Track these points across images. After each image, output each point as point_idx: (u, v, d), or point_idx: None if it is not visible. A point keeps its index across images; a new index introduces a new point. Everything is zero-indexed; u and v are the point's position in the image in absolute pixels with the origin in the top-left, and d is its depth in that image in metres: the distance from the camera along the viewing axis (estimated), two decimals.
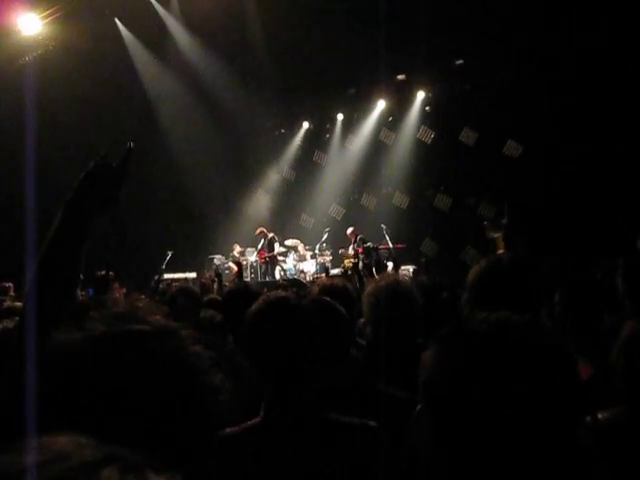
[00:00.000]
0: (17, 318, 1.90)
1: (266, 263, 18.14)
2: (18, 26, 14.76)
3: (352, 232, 17.00)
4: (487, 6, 14.31)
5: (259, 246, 18.30)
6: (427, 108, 19.56)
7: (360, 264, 15.65)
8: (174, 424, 1.04)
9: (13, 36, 14.86)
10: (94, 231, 1.70)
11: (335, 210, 20.23)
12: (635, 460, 1.96)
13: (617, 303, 4.12)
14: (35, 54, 15.50)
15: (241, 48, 17.46)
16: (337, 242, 18.58)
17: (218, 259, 19.21)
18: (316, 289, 3.81)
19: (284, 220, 21.09)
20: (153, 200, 19.69)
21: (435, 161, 18.28)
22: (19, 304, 5.08)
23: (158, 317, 1.18)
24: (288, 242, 18.96)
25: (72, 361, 1.05)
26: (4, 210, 13.08)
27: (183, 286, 5.43)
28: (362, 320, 3.73)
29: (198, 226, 20.25)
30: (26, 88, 12.73)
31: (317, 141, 21.88)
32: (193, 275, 17.67)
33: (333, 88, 19.39)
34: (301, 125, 22.20)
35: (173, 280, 16.30)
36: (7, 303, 5.94)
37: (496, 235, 12.42)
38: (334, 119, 21.57)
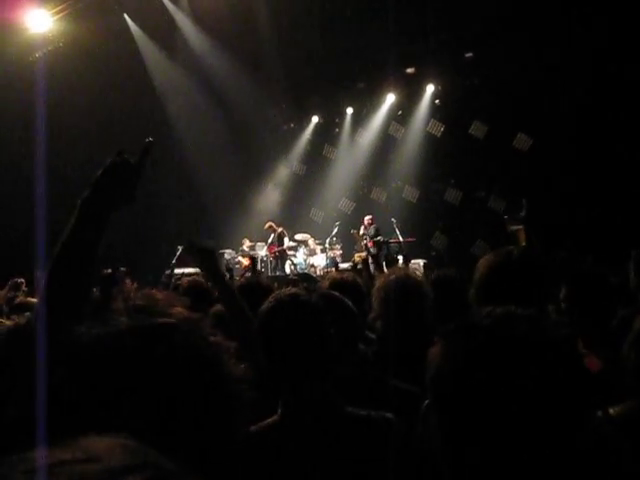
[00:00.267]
0: (28, 313, 1.91)
1: (276, 257, 18.15)
2: (28, 23, 14.82)
3: (370, 219, 16.95)
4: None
5: (269, 241, 18.31)
6: (437, 101, 19.51)
7: (370, 258, 15.66)
8: (202, 417, 1.05)
9: (23, 33, 14.92)
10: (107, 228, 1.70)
11: (345, 204, 20.20)
12: None
13: (629, 296, 4.10)
14: (45, 51, 15.54)
15: (250, 43, 17.44)
16: (347, 236, 18.56)
17: (228, 254, 19.22)
18: (326, 283, 3.82)
19: (294, 214, 21.08)
20: (163, 195, 19.73)
21: (445, 154, 18.23)
22: (32, 299, 5.10)
23: (179, 309, 1.18)
24: (298, 236, 18.95)
25: (102, 355, 1.06)
26: (15, 206, 13.14)
27: (194, 280, 5.43)
28: (372, 314, 3.73)
29: (208, 221, 20.28)
30: (36, 84, 12.77)
31: (327, 135, 21.85)
32: None
33: (342, 82, 19.36)
34: (311, 119, 22.19)
35: (184, 275, 16.34)
36: (20, 298, 5.97)
37: (516, 228, 12.38)
38: (344, 113, 21.55)
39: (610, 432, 1.81)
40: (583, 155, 14.06)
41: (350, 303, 2.77)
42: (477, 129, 16.85)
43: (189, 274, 16.26)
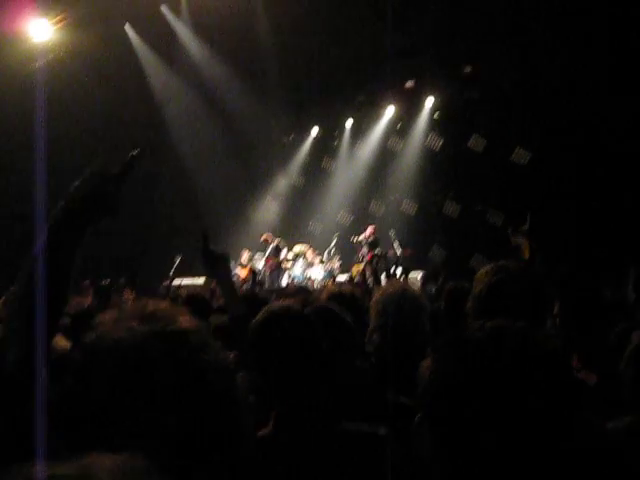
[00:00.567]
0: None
1: (272, 270, 18.09)
2: (29, 32, 14.86)
3: (373, 229, 16.93)
4: (496, 12, 14.31)
5: (267, 253, 18.28)
6: (436, 115, 19.53)
7: (367, 271, 15.65)
8: (216, 422, 1.04)
9: (24, 42, 14.95)
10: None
11: (343, 216, 20.20)
12: None
13: (627, 311, 4.10)
14: (46, 60, 15.57)
15: (250, 54, 17.48)
16: (346, 248, 18.56)
17: None
18: (324, 296, 3.81)
19: (293, 226, 21.07)
20: (162, 205, 19.75)
21: (444, 168, 18.25)
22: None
23: (186, 317, 1.18)
24: (296, 248, 18.92)
25: (128, 358, 1.05)
26: (15, 214, 13.12)
27: (193, 292, 5.44)
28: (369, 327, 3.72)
29: (207, 231, 20.26)
30: (37, 93, 12.78)
31: (326, 147, 21.86)
32: (202, 280, 17.65)
33: (342, 94, 19.38)
34: (310, 131, 22.19)
35: (181, 286, 16.32)
36: None
37: (520, 242, 12.36)
38: (343, 125, 21.56)
39: (611, 446, 1.81)
40: (582, 169, 14.07)
41: (347, 316, 2.76)
42: (476, 143, 16.88)
43: (187, 285, 16.28)
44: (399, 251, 16.21)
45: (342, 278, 16.88)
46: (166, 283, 16.98)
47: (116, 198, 1.71)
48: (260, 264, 18.45)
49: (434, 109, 19.56)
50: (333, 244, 18.25)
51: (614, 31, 13.31)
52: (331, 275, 17.52)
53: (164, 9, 17.13)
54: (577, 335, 3.28)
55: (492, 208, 16.26)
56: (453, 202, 17.81)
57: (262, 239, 18.30)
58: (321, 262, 18.32)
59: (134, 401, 1.00)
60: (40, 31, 14.97)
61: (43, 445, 0.95)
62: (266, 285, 17.64)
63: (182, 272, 17.26)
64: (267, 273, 18.15)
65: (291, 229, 20.78)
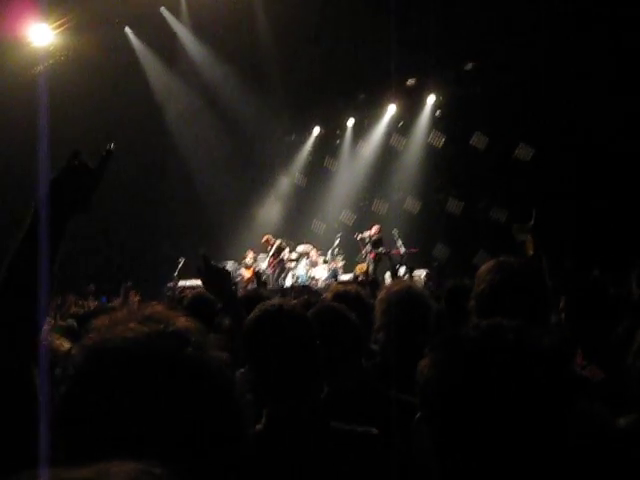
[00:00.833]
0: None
1: (274, 270, 18.08)
2: (30, 37, 14.90)
3: (378, 229, 16.91)
4: (497, 9, 14.29)
5: (270, 253, 18.27)
6: (437, 112, 19.51)
7: (371, 270, 15.66)
8: (217, 421, 1.04)
9: (25, 47, 14.98)
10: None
11: (346, 216, 20.19)
12: None
13: (633, 307, 4.08)
14: (47, 64, 15.60)
15: (251, 55, 17.50)
16: (349, 248, 18.55)
17: (230, 265, 19.20)
18: (329, 295, 3.81)
19: (295, 226, 21.06)
20: (165, 207, 19.77)
21: (446, 165, 18.25)
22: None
23: (183, 319, 1.18)
24: (300, 248, 18.90)
25: (136, 356, 1.04)
26: (17, 218, 13.13)
27: (198, 293, 5.42)
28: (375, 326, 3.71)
29: (210, 233, 20.29)
30: (38, 98, 12.78)
31: (328, 147, 21.86)
32: None
33: (343, 93, 19.38)
34: (312, 131, 22.20)
35: (185, 287, 16.33)
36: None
37: (525, 238, 12.33)
38: (344, 124, 21.56)
39: (619, 442, 1.80)
40: (586, 165, 14.04)
41: (353, 315, 2.76)
42: (478, 140, 16.85)
43: (191, 287, 16.29)
44: (402, 250, 16.19)
45: (345, 277, 16.88)
46: (170, 284, 17.03)
47: (92, 193, 1.67)
48: (264, 265, 18.45)
49: (436, 107, 19.55)
50: (336, 244, 18.23)
51: (616, 27, 13.28)
52: (335, 275, 17.51)
53: (164, 11, 17.14)
54: (582, 331, 3.27)
55: (495, 205, 16.24)
56: (456, 199, 17.79)
57: (263, 241, 18.30)
58: (324, 262, 18.31)
59: (137, 401, 1.00)
60: (41, 36, 15.02)
61: (47, 451, 0.94)
62: (270, 285, 17.64)
63: (186, 274, 17.29)
64: (270, 273, 18.14)
65: (294, 229, 20.77)
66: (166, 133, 19.21)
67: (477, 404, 1.14)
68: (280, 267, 18.03)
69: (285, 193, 22.41)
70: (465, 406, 1.15)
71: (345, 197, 20.95)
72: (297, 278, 17.93)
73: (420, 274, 15.49)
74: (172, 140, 19.38)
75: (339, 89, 18.83)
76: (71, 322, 5.97)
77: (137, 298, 11.21)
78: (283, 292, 14.28)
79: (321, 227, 20.56)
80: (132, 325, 1.10)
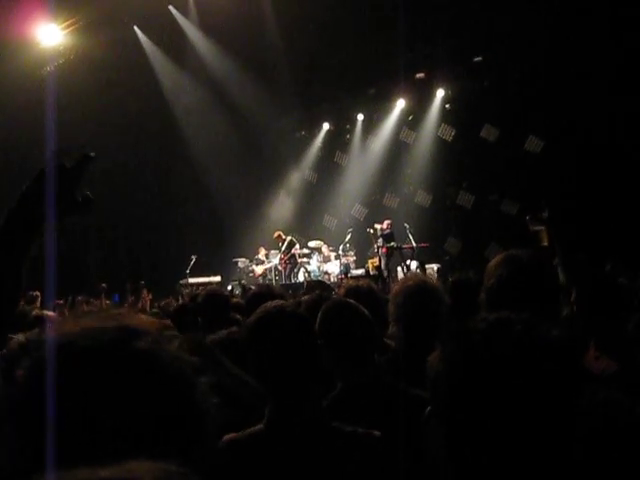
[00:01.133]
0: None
1: (286, 266, 18.12)
2: (39, 37, 14.94)
3: (389, 223, 16.90)
4: (505, 3, 14.23)
5: (282, 249, 18.31)
6: (447, 106, 19.49)
7: (383, 264, 15.64)
8: (166, 421, 1.02)
9: (34, 47, 15.03)
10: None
11: (357, 210, 20.20)
12: None
13: None
14: (56, 64, 15.65)
15: (260, 52, 17.49)
16: (361, 242, 18.56)
17: (242, 262, 19.27)
18: (342, 291, 3.80)
19: (307, 222, 21.10)
20: (177, 205, 19.84)
21: (457, 159, 18.22)
22: (48, 313, 5.13)
23: (144, 318, 1.16)
24: (312, 244, 18.95)
25: (69, 352, 1.03)
26: None
27: (212, 289, 5.43)
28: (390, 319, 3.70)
29: (222, 230, 20.36)
30: (48, 97, 12.83)
31: (338, 142, 21.87)
32: (217, 279, 17.75)
33: (352, 89, 19.37)
34: (321, 127, 22.20)
35: (197, 284, 16.41)
36: (35, 311, 6.00)
37: (539, 229, 12.28)
38: (354, 120, 21.56)
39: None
40: (596, 156, 13.98)
41: (366, 311, 2.75)
42: (488, 132, 16.81)
43: (204, 283, 16.37)
44: (414, 244, 16.17)
45: (357, 272, 16.90)
46: (183, 282, 17.11)
47: (71, 193, 1.61)
48: (276, 260, 18.50)
49: (445, 100, 19.52)
50: (348, 238, 18.24)
51: (624, 17, 13.20)
52: (347, 269, 17.53)
53: (172, 9, 17.15)
54: (594, 323, 3.26)
55: (506, 197, 16.19)
56: (467, 193, 17.76)
57: (274, 236, 18.35)
58: (336, 257, 18.34)
59: (79, 392, 0.99)
60: (50, 36, 15.06)
61: (54, 453, 0.93)
62: (283, 280, 17.70)
63: (198, 271, 17.37)
64: (282, 269, 18.19)
65: (306, 224, 20.82)
66: (176, 131, 19.25)
67: (486, 397, 1.14)
68: (292, 263, 18.07)
69: (296, 189, 22.44)
70: (474, 399, 1.15)
71: (356, 192, 20.96)
72: (310, 273, 17.97)
73: (432, 268, 15.49)
74: (182, 138, 19.42)
75: (348, 84, 18.82)
76: None
77: (149, 297, 11.27)
78: (295, 288, 14.33)
79: (332, 222, 20.58)
80: (85, 321, 1.10)
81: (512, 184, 16.05)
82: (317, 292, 4.20)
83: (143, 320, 1.15)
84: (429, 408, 1.27)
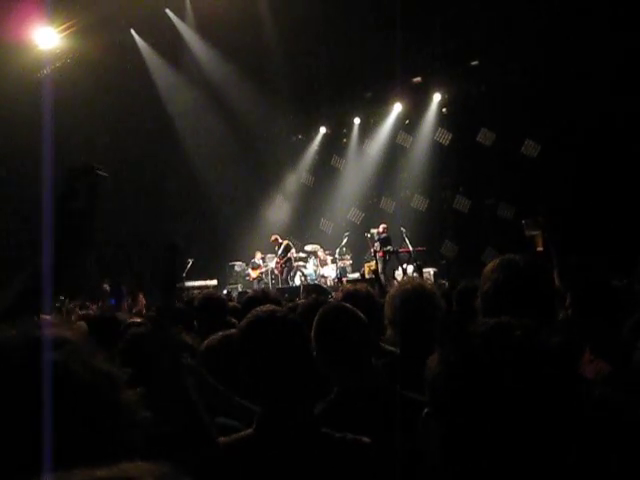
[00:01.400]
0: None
1: (282, 269, 18.11)
2: (36, 40, 14.94)
3: (385, 228, 16.90)
4: (501, 6, 14.26)
5: (278, 253, 18.32)
6: (444, 110, 19.51)
7: (380, 268, 15.63)
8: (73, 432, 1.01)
9: (31, 50, 15.03)
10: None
11: (354, 214, 20.21)
12: None
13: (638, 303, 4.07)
14: (52, 67, 15.65)
15: (257, 56, 17.51)
16: (357, 246, 18.56)
17: (239, 266, 19.28)
18: (339, 295, 3.81)
19: (304, 225, 21.11)
20: (173, 209, 19.83)
21: (453, 163, 18.24)
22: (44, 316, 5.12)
23: (64, 327, 1.15)
24: (308, 247, 18.97)
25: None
26: (23, 222, 13.18)
27: (209, 293, 5.42)
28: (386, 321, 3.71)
29: (218, 233, 20.34)
30: (44, 100, 12.83)
31: (334, 146, 21.90)
32: (214, 282, 17.73)
33: (349, 93, 19.40)
34: (318, 130, 22.24)
35: (194, 288, 16.39)
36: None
37: (535, 233, 12.29)
38: (351, 123, 21.59)
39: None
40: (592, 160, 14.00)
41: (362, 315, 2.75)
42: (485, 136, 16.83)
43: (200, 287, 16.35)
44: (410, 248, 16.17)
45: (354, 276, 16.91)
46: (178, 285, 17.08)
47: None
48: (272, 264, 18.51)
49: (442, 104, 19.54)
50: (344, 242, 18.25)
51: (620, 22, 13.23)
52: (343, 273, 17.53)
53: (169, 12, 17.16)
54: (588, 327, 3.27)
55: (503, 202, 16.21)
56: (463, 197, 17.78)
57: (271, 240, 18.35)
58: (333, 261, 18.35)
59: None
60: (46, 39, 15.06)
61: (50, 453, 0.93)
62: (279, 284, 17.70)
63: (194, 275, 17.33)
64: (278, 273, 18.20)
65: (302, 228, 20.83)
66: (173, 134, 19.25)
67: (485, 401, 1.14)
68: (288, 266, 18.06)
69: (292, 192, 22.45)
70: (472, 402, 1.16)
71: (352, 196, 20.98)
72: (306, 277, 17.97)
73: (429, 272, 15.48)
74: (179, 141, 19.42)
75: (345, 88, 18.84)
76: (81, 325, 5.98)
77: (143, 300, 11.28)
78: (291, 291, 14.33)
79: (329, 226, 20.59)
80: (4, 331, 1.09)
81: (509, 188, 16.07)
82: (313, 296, 4.20)
83: (68, 330, 1.13)
84: (426, 411, 1.28)
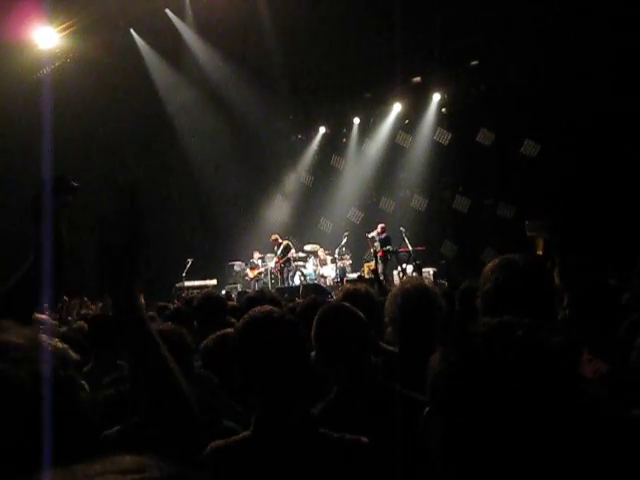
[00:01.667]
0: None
1: (281, 269, 18.10)
2: (35, 40, 14.94)
3: (383, 227, 16.88)
4: (501, 6, 14.26)
5: (277, 253, 18.32)
6: (443, 110, 19.51)
7: (380, 268, 15.63)
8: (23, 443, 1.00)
9: (31, 50, 15.03)
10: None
11: (354, 214, 20.22)
12: None
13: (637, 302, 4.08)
14: (52, 67, 15.64)
15: (256, 55, 17.50)
16: (356, 246, 18.56)
17: (238, 265, 19.28)
18: (339, 294, 3.81)
19: (303, 225, 21.13)
20: (172, 208, 19.82)
21: (453, 163, 18.25)
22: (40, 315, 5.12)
23: (17, 330, 1.14)
24: (308, 247, 18.96)
25: None
26: (21, 224, 13.17)
27: (208, 293, 5.41)
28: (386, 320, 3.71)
29: (218, 233, 20.34)
30: (44, 100, 12.84)
31: (334, 146, 21.91)
32: (213, 282, 17.73)
33: (349, 93, 19.40)
34: (318, 130, 22.25)
35: (193, 288, 16.40)
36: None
37: (535, 234, 12.32)
38: (350, 123, 21.60)
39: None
40: (591, 160, 14.00)
41: (362, 314, 2.75)
42: (484, 136, 16.83)
43: (200, 287, 16.36)
44: (410, 247, 16.16)
45: (353, 276, 16.90)
46: (178, 285, 17.09)
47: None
48: (271, 264, 18.51)
49: (441, 104, 19.54)
50: (343, 242, 18.24)
51: (620, 22, 13.23)
52: (343, 273, 17.54)
53: (168, 12, 17.16)
54: (586, 327, 3.28)
55: (502, 202, 16.22)
56: (463, 196, 17.78)
57: (271, 240, 18.34)
58: (332, 261, 18.35)
59: None
60: (46, 38, 15.06)
61: (50, 453, 0.93)
62: (278, 284, 17.70)
63: (194, 274, 17.34)
64: (277, 273, 18.20)
65: (302, 228, 20.84)
66: (172, 134, 19.25)
67: (486, 401, 1.14)
68: (287, 266, 18.06)
69: (292, 192, 22.46)
70: (473, 402, 1.16)
71: (352, 195, 21.00)
72: (306, 277, 17.96)
73: (428, 272, 15.49)
74: (178, 141, 19.43)
75: (345, 88, 18.84)
76: (81, 324, 5.99)
77: (142, 300, 11.26)
78: (291, 291, 14.33)
79: (328, 225, 20.61)
80: None
81: (508, 188, 16.07)
82: (312, 296, 4.20)
83: (20, 335, 1.12)
84: (427, 410, 1.28)
